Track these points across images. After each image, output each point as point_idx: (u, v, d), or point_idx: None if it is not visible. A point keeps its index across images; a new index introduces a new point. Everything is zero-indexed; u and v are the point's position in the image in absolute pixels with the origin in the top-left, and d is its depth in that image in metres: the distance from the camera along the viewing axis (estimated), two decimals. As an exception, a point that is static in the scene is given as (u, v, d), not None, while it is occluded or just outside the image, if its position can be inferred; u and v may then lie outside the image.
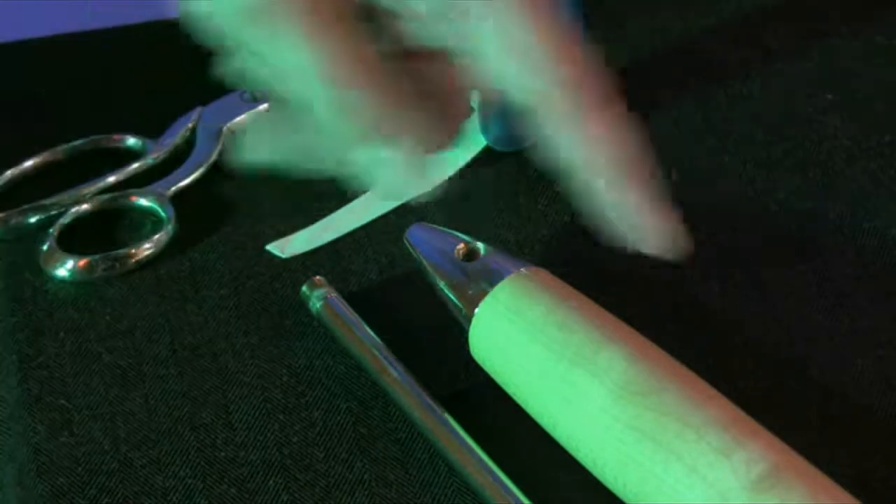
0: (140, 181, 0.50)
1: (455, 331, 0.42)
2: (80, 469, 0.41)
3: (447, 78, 0.37)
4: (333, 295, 0.45)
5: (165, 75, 0.56)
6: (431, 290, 0.43)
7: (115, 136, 0.52)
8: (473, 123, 0.51)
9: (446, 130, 0.37)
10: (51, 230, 0.48)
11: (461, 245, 0.43)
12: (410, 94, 0.35)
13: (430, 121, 0.36)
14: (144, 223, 0.49)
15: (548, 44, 0.35)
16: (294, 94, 0.35)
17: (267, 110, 0.52)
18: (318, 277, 0.46)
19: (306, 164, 0.37)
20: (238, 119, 0.52)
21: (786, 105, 0.55)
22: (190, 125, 0.52)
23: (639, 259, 0.48)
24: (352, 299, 0.45)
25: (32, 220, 0.49)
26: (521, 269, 0.42)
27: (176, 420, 0.43)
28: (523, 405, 0.41)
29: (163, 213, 0.49)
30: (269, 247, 0.48)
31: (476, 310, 0.41)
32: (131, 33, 0.58)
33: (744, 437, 0.36)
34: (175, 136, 0.52)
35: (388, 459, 0.41)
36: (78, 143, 0.52)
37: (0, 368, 0.44)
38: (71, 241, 0.48)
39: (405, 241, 0.45)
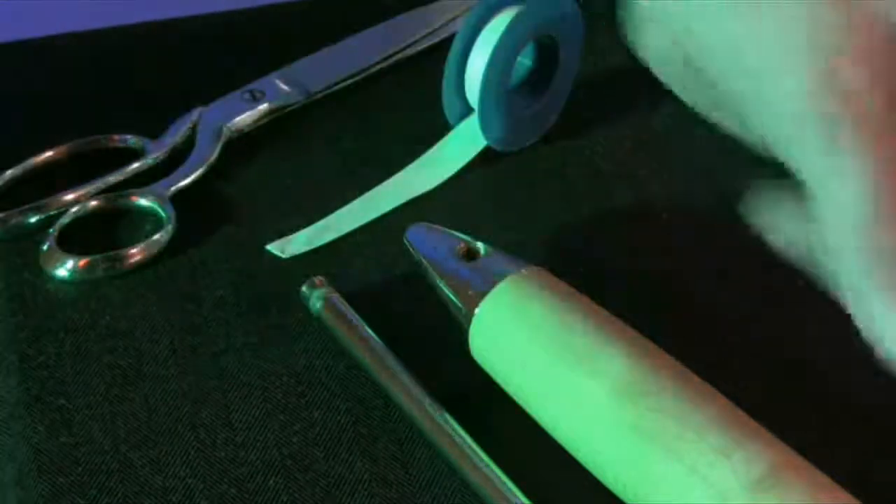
0: (140, 181, 0.50)
1: (455, 331, 0.42)
2: (80, 469, 0.41)
3: None
4: (333, 295, 0.45)
5: (165, 75, 0.56)
6: (431, 290, 0.43)
7: (115, 136, 0.52)
8: (473, 123, 0.51)
9: None
10: (51, 230, 0.48)
11: (461, 245, 0.43)
12: None
13: None
14: (144, 223, 0.49)
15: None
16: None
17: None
18: (318, 277, 0.46)
19: None
20: (238, 119, 0.52)
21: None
22: (190, 125, 0.52)
23: (639, 258, 0.48)
24: (352, 299, 0.45)
25: (32, 220, 0.49)
26: (521, 269, 0.42)
27: (176, 420, 0.42)
28: (523, 405, 0.41)
29: (163, 213, 0.49)
30: (269, 247, 0.48)
31: (476, 310, 0.41)
32: (131, 33, 0.58)
33: (744, 437, 0.36)
34: (175, 136, 0.52)
35: (388, 459, 0.41)
36: (78, 143, 0.52)
37: (0, 368, 0.44)
38: (71, 241, 0.48)
39: (405, 241, 0.45)
